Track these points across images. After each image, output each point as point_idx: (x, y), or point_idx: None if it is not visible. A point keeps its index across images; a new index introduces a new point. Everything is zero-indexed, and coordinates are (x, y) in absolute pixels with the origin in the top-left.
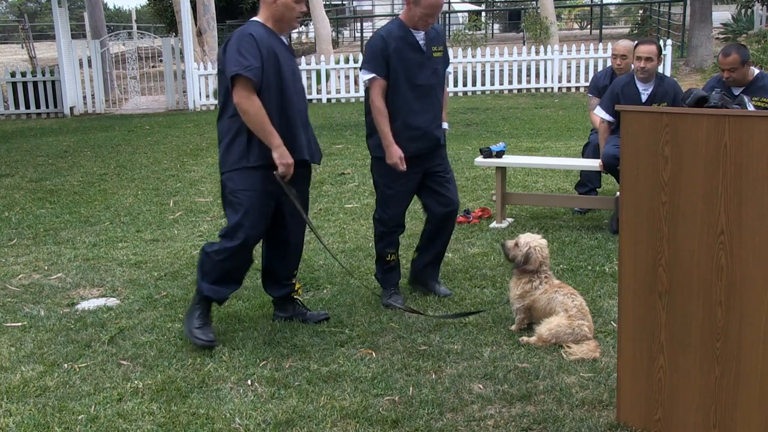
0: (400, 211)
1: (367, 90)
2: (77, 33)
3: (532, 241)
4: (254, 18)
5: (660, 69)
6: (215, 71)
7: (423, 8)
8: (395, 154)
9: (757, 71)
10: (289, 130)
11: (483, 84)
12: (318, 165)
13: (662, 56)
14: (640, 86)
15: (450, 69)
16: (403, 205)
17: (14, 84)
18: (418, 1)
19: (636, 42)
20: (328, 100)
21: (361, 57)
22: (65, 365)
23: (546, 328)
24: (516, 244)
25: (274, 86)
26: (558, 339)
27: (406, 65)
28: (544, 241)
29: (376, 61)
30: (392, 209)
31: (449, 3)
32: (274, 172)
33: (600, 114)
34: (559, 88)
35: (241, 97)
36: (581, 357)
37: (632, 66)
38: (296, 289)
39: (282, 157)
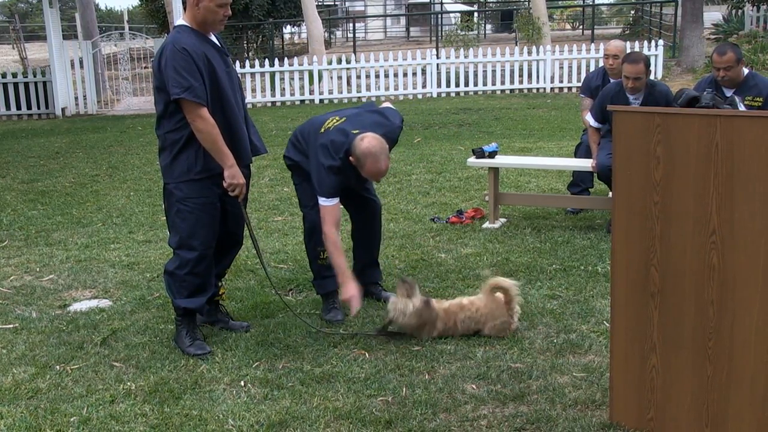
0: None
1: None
2: (69, 34)
3: (391, 310)
4: (181, 21)
5: (651, 68)
6: None
7: (365, 172)
8: (352, 293)
9: (747, 71)
10: (231, 135)
11: (475, 84)
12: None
13: (649, 70)
14: (630, 96)
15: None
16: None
17: (5, 85)
18: (362, 166)
19: (623, 59)
20: (321, 101)
21: (353, 57)
22: (57, 367)
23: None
24: (391, 320)
25: (212, 95)
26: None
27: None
28: (398, 302)
29: (337, 190)
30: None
31: (441, 3)
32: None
33: (590, 121)
34: (552, 89)
35: (194, 117)
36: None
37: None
38: (221, 293)
39: (232, 177)
